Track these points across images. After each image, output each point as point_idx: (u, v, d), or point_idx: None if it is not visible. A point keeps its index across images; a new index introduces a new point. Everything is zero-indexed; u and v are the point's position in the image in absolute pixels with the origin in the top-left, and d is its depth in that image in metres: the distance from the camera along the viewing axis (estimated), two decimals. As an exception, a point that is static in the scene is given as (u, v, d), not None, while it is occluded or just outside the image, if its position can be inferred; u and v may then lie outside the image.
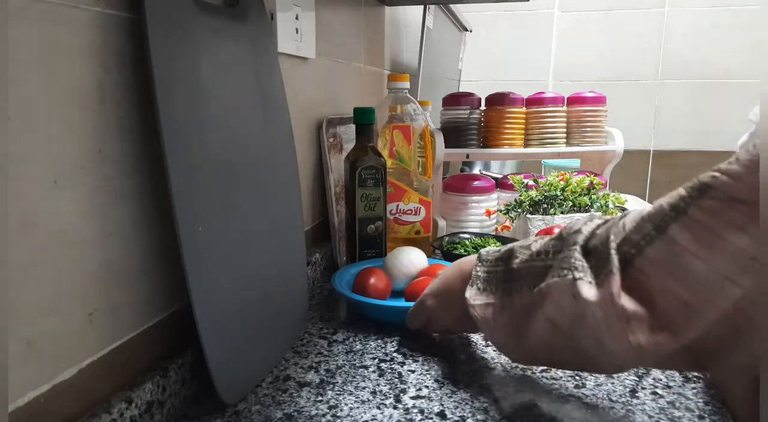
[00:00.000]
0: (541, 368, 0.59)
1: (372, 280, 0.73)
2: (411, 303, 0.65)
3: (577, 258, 0.42)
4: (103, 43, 0.43)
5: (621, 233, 0.41)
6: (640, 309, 0.39)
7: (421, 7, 1.33)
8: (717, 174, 0.36)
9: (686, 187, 0.38)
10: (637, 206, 1.23)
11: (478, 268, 0.53)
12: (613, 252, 0.40)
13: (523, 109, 1.19)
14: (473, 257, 0.56)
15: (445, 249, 0.94)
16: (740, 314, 0.37)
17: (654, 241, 0.39)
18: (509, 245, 0.52)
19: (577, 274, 0.41)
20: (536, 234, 0.90)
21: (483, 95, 1.24)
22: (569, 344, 0.44)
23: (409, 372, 0.58)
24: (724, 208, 0.36)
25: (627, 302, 0.39)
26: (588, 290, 0.40)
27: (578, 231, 0.44)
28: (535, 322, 0.46)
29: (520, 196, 1.04)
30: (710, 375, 0.55)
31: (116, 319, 0.46)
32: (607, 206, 1.01)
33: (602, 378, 0.57)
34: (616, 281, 0.39)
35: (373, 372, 0.58)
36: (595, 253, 0.42)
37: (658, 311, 0.38)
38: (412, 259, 0.80)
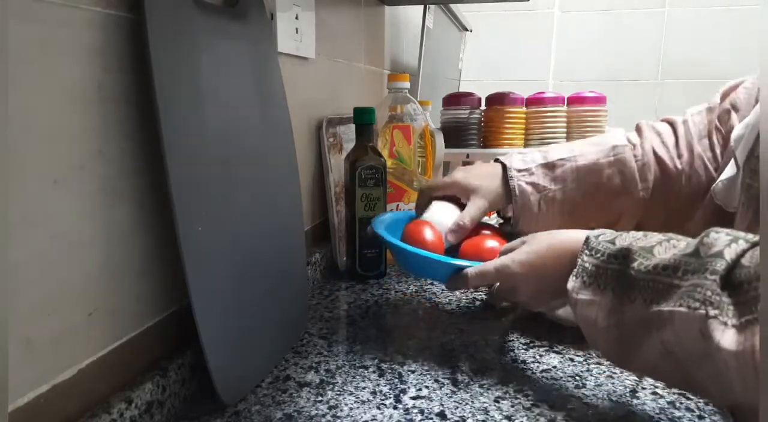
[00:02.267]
0: (541, 368, 0.59)
1: (428, 236, 0.67)
2: (467, 263, 0.60)
3: (715, 291, 0.37)
4: (103, 44, 0.43)
5: None
6: None
7: (421, 7, 1.33)
8: None
9: None
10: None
11: (585, 258, 0.49)
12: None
13: (524, 109, 1.20)
14: (573, 236, 0.52)
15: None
16: None
17: None
18: (624, 239, 0.47)
19: (711, 311, 0.37)
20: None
21: (483, 95, 1.24)
22: (680, 372, 0.41)
23: (409, 372, 0.58)
24: None
25: None
26: (722, 333, 0.36)
27: (719, 256, 0.38)
28: (646, 342, 0.42)
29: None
30: None
31: (116, 319, 0.46)
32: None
33: (603, 378, 0.57)
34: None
35: (373, 372, 0.58)
36: (738, 289, 0.37)
37: None
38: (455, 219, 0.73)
